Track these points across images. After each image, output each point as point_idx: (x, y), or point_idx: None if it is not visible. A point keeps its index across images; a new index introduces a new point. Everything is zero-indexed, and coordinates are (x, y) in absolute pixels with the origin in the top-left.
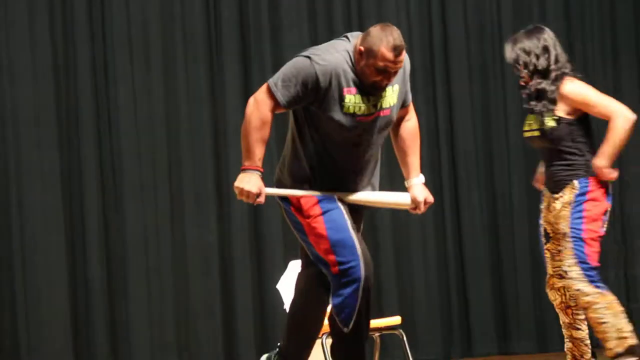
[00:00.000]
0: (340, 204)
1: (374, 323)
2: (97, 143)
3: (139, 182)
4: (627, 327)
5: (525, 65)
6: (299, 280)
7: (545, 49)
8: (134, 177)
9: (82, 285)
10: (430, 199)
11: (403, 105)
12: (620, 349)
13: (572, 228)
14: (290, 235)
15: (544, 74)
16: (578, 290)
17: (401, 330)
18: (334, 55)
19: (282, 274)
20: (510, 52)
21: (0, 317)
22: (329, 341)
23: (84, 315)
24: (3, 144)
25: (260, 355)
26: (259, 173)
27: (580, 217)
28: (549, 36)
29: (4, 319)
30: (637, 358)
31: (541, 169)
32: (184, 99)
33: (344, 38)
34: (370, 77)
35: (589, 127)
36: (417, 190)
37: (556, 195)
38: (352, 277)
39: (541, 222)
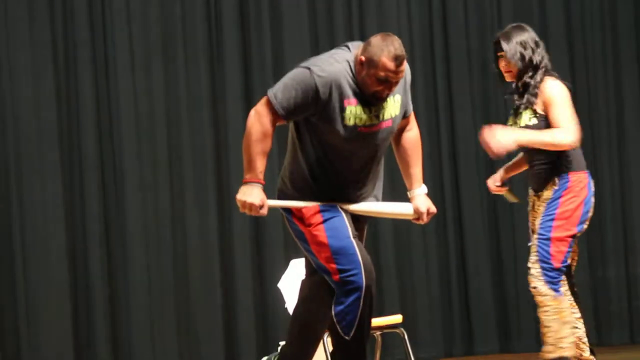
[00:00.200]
0: (342, 212)
1: (375, 322)
2: (97, 142)
3: (139, 181)
4: (568, 338)
5: (523, 58)
6: (303, 287)
7: (537, 44)
8: (135, 176)
9: (82, 284)
10: (433, 209)
11: (404, 116)
12: (553, 356)
13: (541, 225)
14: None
15: (536, 67)
16: (534, 288)
17: (402, 329)
18: (334, 65)
19: (283, 273)
20: (507, 46)
21: (1, 317)
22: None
23: (84, 315)
24: (3, 143)
25: (261, 355)
26: (261, 185)
27: (552, 214)
28: (530, 33)
29: (5, 318)
30: None
31: (502, 169)
32: (184, 98)
33: (345, 47)
34: (371, 87)
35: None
36: (420, 200)
37: (539, 194)
38: (353, 286)
39: (529, 223)
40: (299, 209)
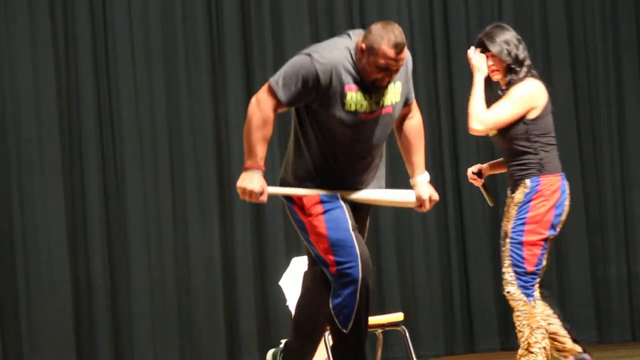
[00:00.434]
0: (342, 204)
1: (377, 319)
2: (98, 140)
3: (140, 179)
4: (538, 343)
5: (509, 55)
6: (304, 279)
7: (519, 41)
8: (136, 174)
9: (84, 284)
10: (435, 196)
11: (406, 103)
12: (523, 359)
13: (513, 229)
14: (292, 231)
15: (520, 65)
16: (507, 292)
17: (404, 327)
18: (335, 52)
19: (284, 271)
20: (493, 45)
21: (2, 316)
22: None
23: (86, 313)
24: (4, 141)
25: (263, 352)
26: (261, 172)
27: (523, 219)
28: (511, 32)
29: (6, 317)
30: None
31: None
32: (185, 95)
33: (346, 35)
34: (372, 74)
35: (550, 126)
36: (422, 188)
37: (512, 196)
38: (349, 278)
39: (502, 226)
40: (300, 198)
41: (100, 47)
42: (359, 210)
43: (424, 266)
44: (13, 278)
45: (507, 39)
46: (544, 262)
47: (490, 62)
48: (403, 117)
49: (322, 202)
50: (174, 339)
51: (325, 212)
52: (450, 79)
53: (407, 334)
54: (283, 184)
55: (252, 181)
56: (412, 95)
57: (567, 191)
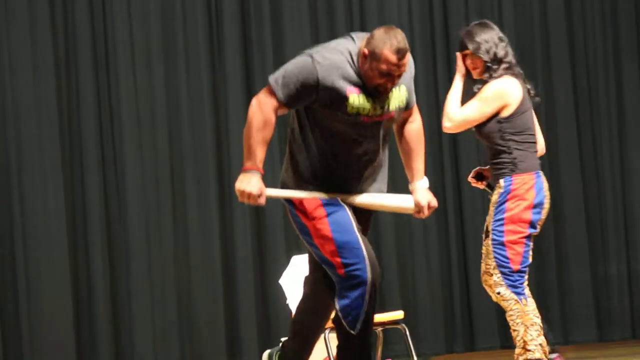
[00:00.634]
0: (344, 206)
1: (377, 318)
2: (98, 139)
3: (140, 178)
4: (534, 340)
5: (487, 53)
6: (306, 283)
7: (501, 39)
8: (136, 173)
9: (84, 282)
10: (434, 202)
11: (407, 107)
12: (521, 359)
13: (493, 230)
14: (292, 230)
15: (499, 62)
16: (497, 293)
17: (404, 325)
18: (337, 55)
19: (284, 269)
20: (471, 43)
21: (2, 315)
22: (332, 335)
23: (86, 312)
24: (4, 140)
25: (263, 351)
26: (260, 174)
27: (501, 219)
28: (493, 29)
29: (7, 316)
30: None
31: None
32: (185, 95)
33: (349, 37)
34: (374, 80)
35: (526, 124)
36: (421, 193)
37: (490, 195)
38: (358, 280)
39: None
40: (301, 202)
41: (100, 47)
42: (361, 213)
43: (424, 264)
44: (13, 278)
45: (486, 37)
46: (530, 260)
47: (469, 61)
48: (404, 121)
49: (324, 205)
50: (174, 338)
51: (328, 214)
52: (450, 80)
53: (408, 332)
54: (283, 185)
55: (250, 183)
56: (413, 99)
57: (545, 188)
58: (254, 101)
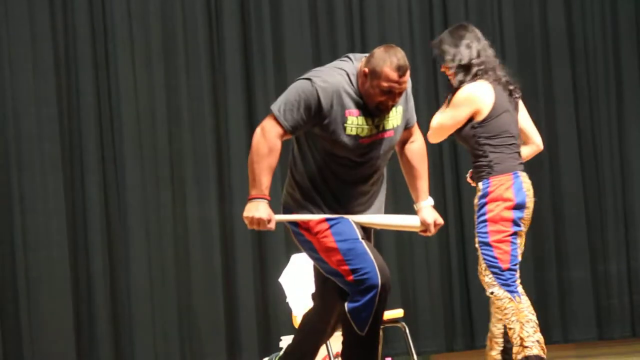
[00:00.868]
0: (347, 218)
1: None
2: (98, 137)
3: (140, 176)
4: (531, 336)
5: (452, 60)
6: (314, 299)
7: (468, 46)
8: (136, 171)
9: (84, 280)
10: (440, 220)
11: (407, 126)
12: (520, 356)
13: (478, 233)
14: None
15: (467, 68)
16: (492, 293)
17: (404, 323)
18: (336, 76)
19: (284, 268)
20: (436, 50)
21: (2, 313)
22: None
23: (86, 312)
24: (4, 138)
25: (263, 349)
26: (267, 201)
27: (484, 221)
28: (470, 33)
29: (6, 318)
30: None
31: None
32: (185, 93)
33: (346, 58)
34: (375, 98)
35: (503, 127)
36: (427, 212)
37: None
38: (368, 284)
39: None
40: (306, 222)
41: (100, 46)
42: (364, 229)
43: (424, 262)
44: (13, 278)
45: (451, 44)
46: (519, 257)
47: (444, 69)
48: (405, 141)
49: (326, 219)
50: (174, 337)
51: (331, 226)
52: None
53: (407, 331)
54: (285, 208)
55: (258, 210)
56: (414, 118)
57: (526, 188)
58: (257, 130)
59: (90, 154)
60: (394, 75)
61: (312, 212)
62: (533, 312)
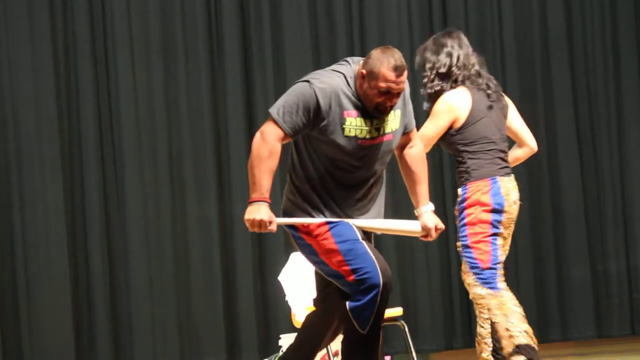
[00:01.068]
0: (348, 221)
1: None
2: (97, 137)
3: (140, 175)
4: (516, 326)
5: (431, 69)
6: (316, 303)
7: (448, 54)
8: (135, 170)
9: (83, 279)
10: (441, 225)
11: (406, 131)
12: (509, 349)
13: (460, 236)
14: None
15: (446, 76)
16: (475, 294)
17: (403, 322)
18: (334, 78)
19: (283, 266)
20: (418, 58)
21: (2, 313)
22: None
23: (85, 311)
24: (3, 137)
25: (262, 348)
26: (267, 204)
27: (463, 225)
28: (453, 40)
29: (5, 313)
30: (525, 357)
31: None
32: (184, 92)
33: (344, 62)
34: (374, 99)
35: (481, 134)
36: (428, 217)
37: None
38: (369, 284)
39: None
40: (306, 225)
41: (100, 44)
42: (365, 234)
43: (423, 260)
44: (12, 276)
45: (432, 52)
46: (501, 257)
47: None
48: (404, 146)
49: (327, 222)
50: (173, 335)
51: (330, 228)
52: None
53: (407, 329)
54: (285, 213)
55: (259, 212)
56: (412, 123)
57: (504, 192)
58: (257, 134)
59: (89, 153)
60: (391, 75)
61: (312, 216)
62: (518, 305)
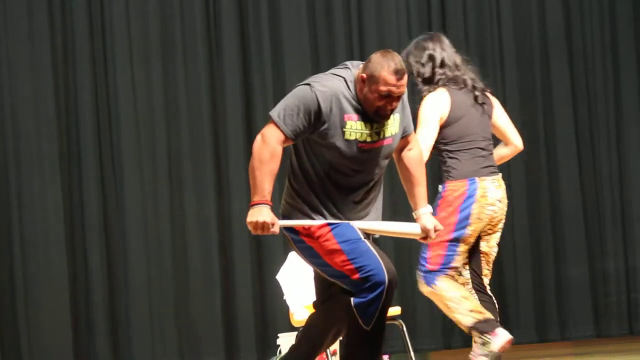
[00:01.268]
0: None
1: None
2: (96, 136)
3: (138, 174)
4: (459, 308)
5: (417, 75)
6: (316, 306)
7: (430, 57)
8: (134, 169)
9: (82, 278)
10: (440, 227)
11: (404, 135)
12: (466, 323)
13: None
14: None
15: (430, 80)
16: (421, 289)
17: (401, 321)
18: (334, 82)
19: (281, 265)
20: (404, 63)
21: (0, 311)
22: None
23: (84, 310)
24: (2, 137)
25: (260, 347)
26: (269, 206)
27: None
28: (435, 42)
29: (4, 312)
30: (480, 333)
31: None
32: (183, 91)
33: (344, 66)
34: (374, 102)
35: (461, 132)
36: (426, 219)
37: None
38: (374, 281)
39: None
40: (307, 228)
41: (98, 43)
42: (366, 235)
43: None
44: (11, 274)
45: (415, 57)
46: (455, 263)
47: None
48: (402, 149)
49: (328, 224)
50: (172, 334)
51: (332, 229)
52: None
53: (405, 328)
54: (285, 217)
55: (261, 214)
56: (411, 126)
57: (479, 194)
58: (258, 137)
59: (88, 152)
60: (392, 78)
61: (313, 219)
62: (457, 287)
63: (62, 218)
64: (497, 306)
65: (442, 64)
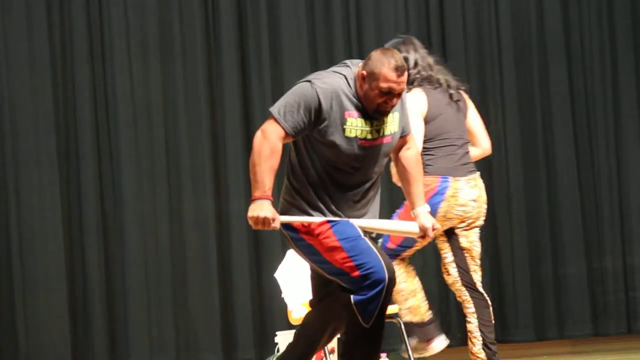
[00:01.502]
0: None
1: None
2: (94, 132)
3: (136, 172)
4: (401, 306)
5: None
6: (313, 305)
7: (404, 59)
8: (132, 166)
9: (80, 276)
10: (438, 225)
11: (403, 134)
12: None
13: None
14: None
15: (409, 82)
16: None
17: (399, 319)
18: (335, 79)
19: (280, 263)
20: None
21: None
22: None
23: (82, 308)
24: (0, 133)
25: (258, 345)
26: (270, 201)
27: (395, 213)
28: (407, 45)
29: (2, 312)
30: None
31: None
32: (181, 88)
33: (344, 64)
34: (375, 99)
35: (437, 130)
36: (424, 218)
37: None
38: (375, 278)
39: None
40: (307, 225)
41: (97, 39)
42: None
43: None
44: (8, 272)
45: None
46: (411, 250)
47: None
48: (399, 148)
49: (328, 221)
50: (169, 331)
51: (332, 226)
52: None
53: (403, 326)
54: (283, 214)
55: (262, 209)
56: (409, 126)
57: (449, 193)
58: (258, 133)
59: (86, 148)
60: (392, 75)
61: (312, 216)
62: (405, 280)
63: (60, 215)
64: (489, 304)
65: (416, 65)
